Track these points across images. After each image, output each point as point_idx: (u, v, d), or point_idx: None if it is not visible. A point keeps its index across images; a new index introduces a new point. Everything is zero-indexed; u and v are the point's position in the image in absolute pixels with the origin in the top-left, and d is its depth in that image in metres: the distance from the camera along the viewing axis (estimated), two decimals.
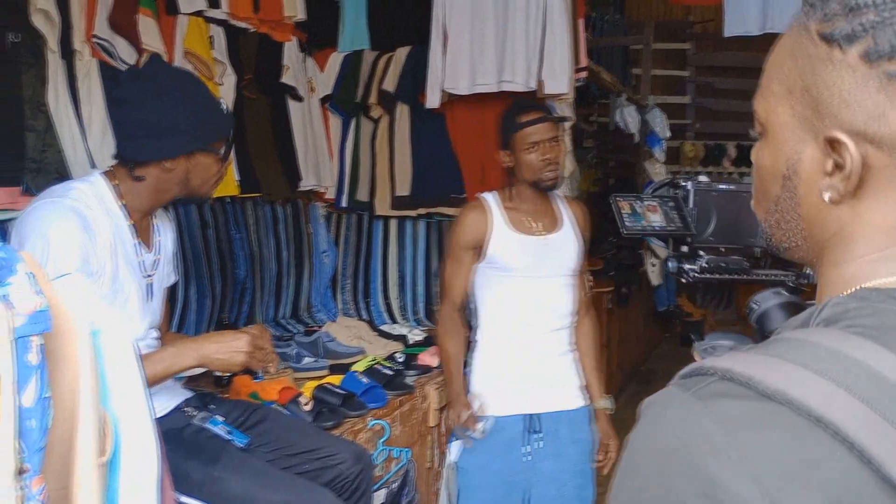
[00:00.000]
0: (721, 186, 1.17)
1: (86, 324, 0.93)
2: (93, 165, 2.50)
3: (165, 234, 2.02)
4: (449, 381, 2.52)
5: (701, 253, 1.04)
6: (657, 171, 5.80)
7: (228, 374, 2.75)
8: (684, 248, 1.05)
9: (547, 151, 2.35)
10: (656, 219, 1.01)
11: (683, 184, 1.15)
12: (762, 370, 0.52)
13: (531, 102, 2.63)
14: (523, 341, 2.42)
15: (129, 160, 1.83)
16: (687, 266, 1.01)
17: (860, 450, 0.48)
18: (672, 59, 7.19)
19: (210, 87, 2.40)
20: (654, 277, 5.92)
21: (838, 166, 0.59)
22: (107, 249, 1.73)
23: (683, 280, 1.03)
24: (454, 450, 2.50)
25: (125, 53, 2.61)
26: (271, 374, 2.21)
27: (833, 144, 0.58)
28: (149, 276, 1.89)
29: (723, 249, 1.10)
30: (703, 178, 1.17)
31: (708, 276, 1.04)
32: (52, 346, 0.89)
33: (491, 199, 2.45)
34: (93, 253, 1.67)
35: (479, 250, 2.40)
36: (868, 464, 0.48)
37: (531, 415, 2.41)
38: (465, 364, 3.08)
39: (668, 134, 5.72)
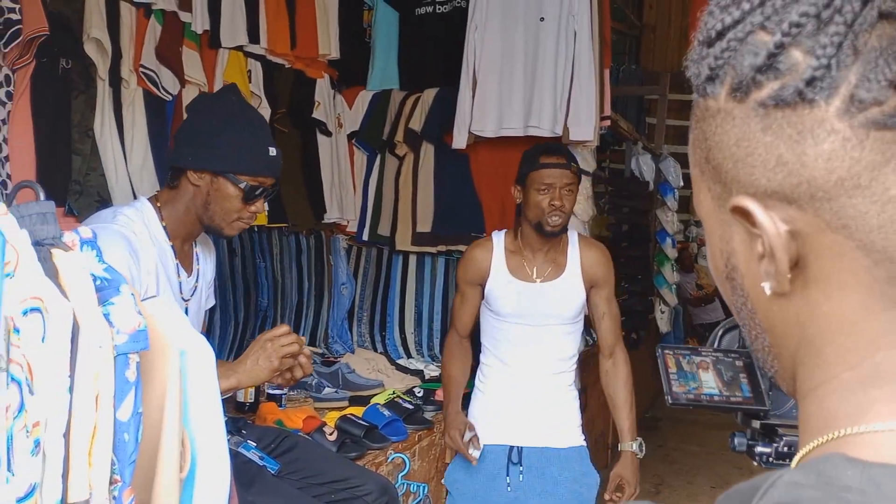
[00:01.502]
0: None
1: (175, 344, 0.97)
2: (132, 190, 2.57)
3: (206, 261, 2.05)
4: (446, 402, 2.52)
5: (780, 432, 0.81)
6: (668, 219, 5.88)
7: (251, 401, 2.79)
8: (756, 424, 0.82)
9: (557, 198, 2.31)
10: (712, 383, 0.79)
11: None
12: None
13: (558, 146, 2.61)
14: (516, 380, 2.44)
15: (171, 168, 1.89)
16: (760, 449, 0.80)
17: None
18: (685, 109, 7.32)
19: None
20: (663, 324, 5.97)
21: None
22: (151, 274, 1.77)
23: (756, 463, 0.82)
24: (447, 474, 2.55)
25: (168, 83, 2.69)
26: (298, 400, 2.23)
27: (744, 216, 0.45)
28: (186, 300, 1.93)
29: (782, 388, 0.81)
30: None
31: (789, 461, 0.85)
32: (144, 363, 0.94)
33: (498, 239, 2.46)
34: (137, 277, 1.71)
35: (482, 288, 2.44)
36: None
37: (513, 447, 2.42)
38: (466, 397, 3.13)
39: (681, 183, 5.82)
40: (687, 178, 6.39)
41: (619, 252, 5.92)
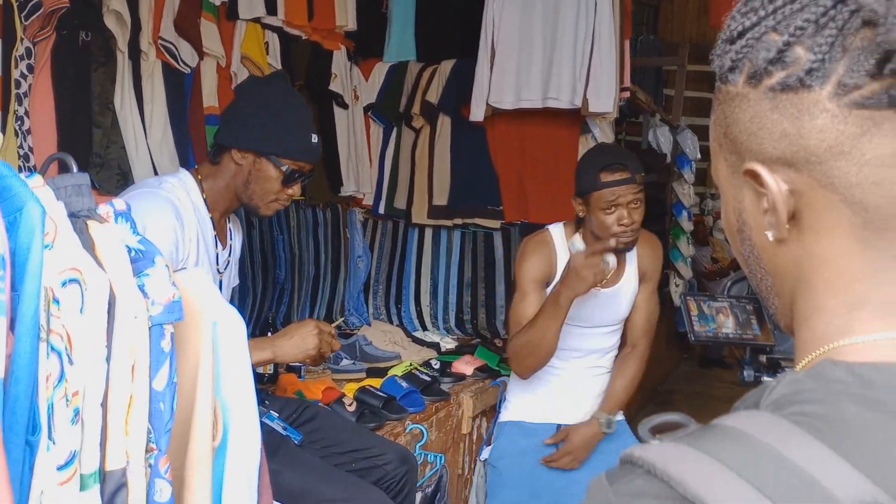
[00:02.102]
0: None
1: (208, 315, 0.99)
2: (153, 163, 2.58)
3: (236, 237, 2.09)
4: (554, 297, 2.15)
5: (784, 365, 0.92)
6: (685, 192, 5.83)
7: (269, 372, 2.82)
8: (763, 359, 0.93)
9: (626, 216, 2.14)
10: (729, 324, 0.90)
11: None
12: (685, 469, 0.48)
13: (618, 153, 2.34)
14: (559, 372, 2.39)
15: (215, 144, 1.94)
16: (766, 378, 0.90)
17: None
18: (704, 80, 7.24)
19: None
20: (677, 298, 5.95)
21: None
22: (193, 241, 1.82)
23: None
24: (487, 450, 2.54)
25: (187, 56, 2.68)
26: (317, 371, 2.26)
27: (754, 178, 0.57)
28: (220, 273, 1.96)
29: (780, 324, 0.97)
30: None
31: None
32: (178, 333, 0.95)
33: (558, 236, 2.32)
34: (181, 242, 1.75)
35: (547, 284, 2.29)
36: None
37: (561, 424, 2.41)
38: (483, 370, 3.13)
39: (699, 155, 5.76)
40: (704, 151, 6.35)
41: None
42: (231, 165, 1.92)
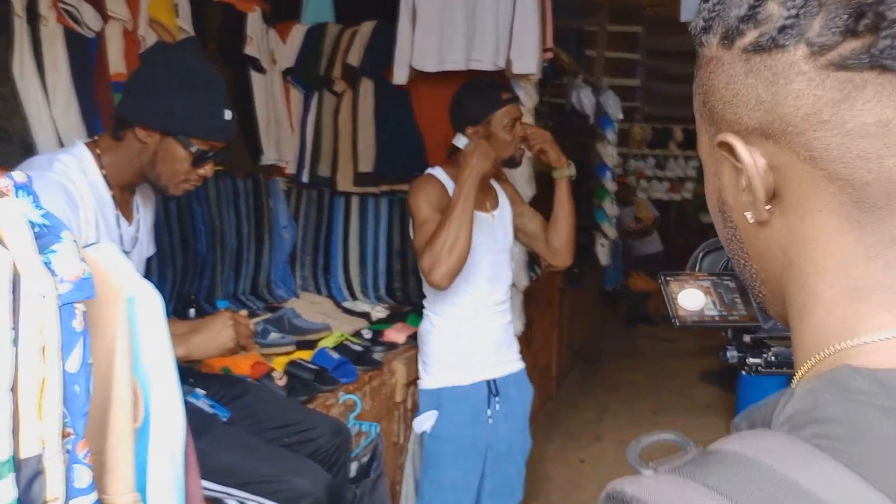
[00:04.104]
0: None
1: (123, 290, 0.93)
2: (57, 135, 2.44)
3: (146, 210, 1.98)
4: (464, 183, 2.28)
5: (768, 343, 0.87)
6: (609, 153, 5.92)
7: None
8: (747, 339, 0.88)
9: (518, 131, 2.42)
10: (713, 304, 0.84)
11: None
12: None
13: (499, 82, 2.66)
14: (476, 315, 2.50)
15: (117, 118, 1.80)
16: (751, 359, 0.87)
17: None
18: (623, 41, 7.31)
19: None
20: (603, 257, 6.06)
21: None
22: (90, 223, 1.69)
23: (745, 372, 0.88)
24: (424, 420, 2.54)
25: (90, 19, 2.53)
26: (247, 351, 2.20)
27: (729, 151, 0.51)
28: (127, 252, 1.86)
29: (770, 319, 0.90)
30: None
31: (775, 370, 0.86)
32: (91, 312, 0.89)
33: (441, 175, 2.45)
34: (76, 227, 1.63)
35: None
36: None
37: (490, 380, 2.53)
38: (415, 337, 3.11)
39: (621, 116, 5.84)
40: (624, 112, 6.44)
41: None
42: (135, 143, 1.78)
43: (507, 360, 2.58)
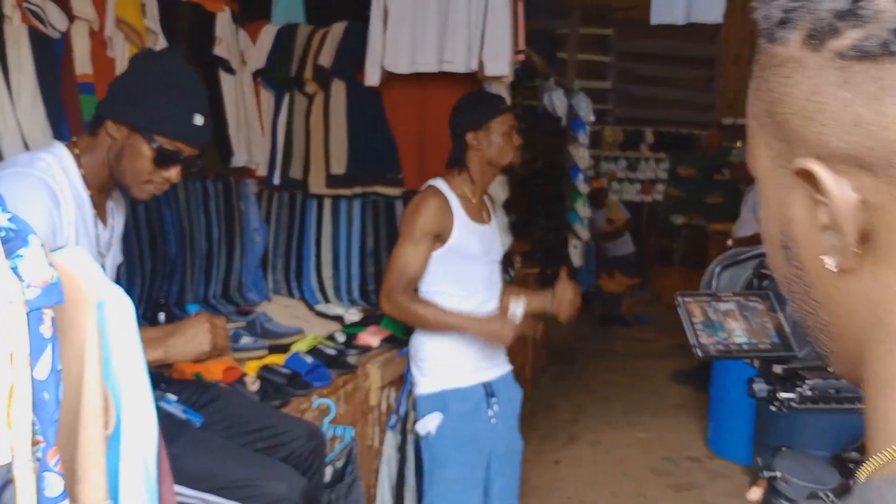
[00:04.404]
0: None
1: (92, 296, 0.90)
2: (22, 136, 2.39)
3: (118, 216, 1.96)
4: (466, 325, 2.47)
5: (802, 375, 0.75)
6: (581, 155, 5.95)
7: None
8: (778, 370, 0.76)
9: (516, 139, 2.52)
10: (740, 331, 0.72)
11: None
12: None
13: (497, 94, 2.76)
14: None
15: (95, 115, 1.80)
16: (783, 395, 0.75)
17: None
18: (595, 44, 7.35)
19: None
20: (576, 259, 6.09)
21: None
22: (71, 224, 1.68)
23: (774, 408, 0.76)
24: (428, 422, 2.54)
25: (56, 19, 2.48)
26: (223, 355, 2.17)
27: (809, 181, 0.41)
28: (102, 255, 1.84)
29: (831, 369, 0.73)
30: None
31: (811, 405, 0.73)
32: (60, 317, 0.86)
33: (445, 188, 2.51)
34: (59, 227, 1.61)
35: (440, 237, 2.47)
36: None
37: (486, 382, 2.57)
38: (389, 340, 3.10)
39: (592, 118, 5.87)
40: (596, 114, 6.48)
41: (535, 189, 5.97)
42: (106, 138, 1.77)
43: (498, 363, 2.64)
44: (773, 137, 0.44)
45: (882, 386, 0.41)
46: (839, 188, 0.40)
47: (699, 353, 0.70)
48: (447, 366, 2.53)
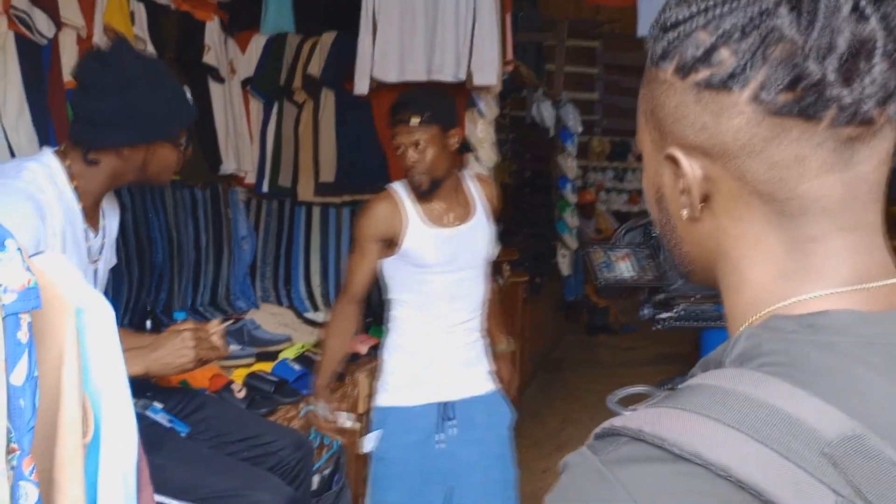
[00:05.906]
0: None
1: (71, 301, 0.89)
2: (8, 144, 2.38)
3: (111, 217, 1.92)
4: (318, 373, 2.39)
5: (676, 301, 1.03)
6: (569, 165, 5.96)
7: None
8: (659, 297, 1.05)
9: (409, 155, 2.27)
10: (628, 268, 1.00)
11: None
12: (674, 429, 0.50)
13: (411, 96, 2.44)
14: (435, 334, 2.36)
15: (83, 144, 1.72)
16: (663, 315, 1.03)
17: None
18: (582, 56, 7.40)
19: None
20: (565, 268, 6.10)
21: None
22: (57, 236, 1.62)
23: (656, 328, 1.02)
24: (369, 441, 2.41)
25: (43, 26, 2.48)
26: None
27: (673, 163, 0.61)
28: (94, 261, 1.81)
29: (698, 296, 0.99)
30: None
31: (682, 323, 1.00)
32: (38, 323, 0.86)
33: (400, 189, 2.33)
34: (44, 238, 1.57)
35: (389, 243, 2.30)
36: None
37: (445, 402, 2.36)
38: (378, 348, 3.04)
39: (580, 129, 5.90)
40: (586, 125, 6.52)
41: (523, 198, 5.99)
42: (115, 162, 1.73)
43: (469, 382, 2.39)
44: (654, 129, 0.63)
45: (730, 292, 0.63)
46: (691, 168, 0.60)
47: (600, 282, 0.97)
48: (402, 380, 2.36)
